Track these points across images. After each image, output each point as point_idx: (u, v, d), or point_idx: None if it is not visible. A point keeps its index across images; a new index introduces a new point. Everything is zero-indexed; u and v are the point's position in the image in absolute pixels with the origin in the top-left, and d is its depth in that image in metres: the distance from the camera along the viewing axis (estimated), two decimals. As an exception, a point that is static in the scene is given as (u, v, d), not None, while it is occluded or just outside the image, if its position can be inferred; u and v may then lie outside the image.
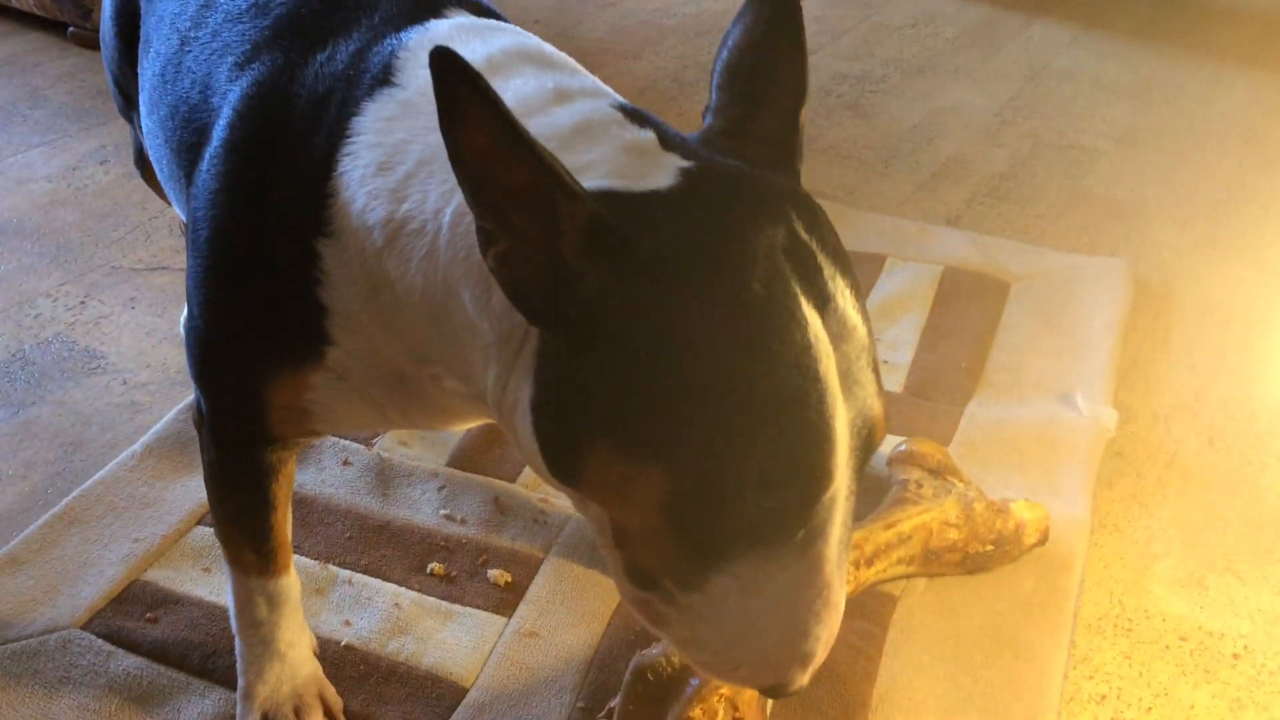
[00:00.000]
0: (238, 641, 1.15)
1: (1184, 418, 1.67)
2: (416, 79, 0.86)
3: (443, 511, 1.41)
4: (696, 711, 1.00)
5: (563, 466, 0.74)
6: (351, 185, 0.84)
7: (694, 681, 1.02)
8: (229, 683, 1.17)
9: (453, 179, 0.71)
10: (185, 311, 1.78)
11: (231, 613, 1.14)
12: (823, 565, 0.72)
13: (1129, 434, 1.63)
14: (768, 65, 0.83)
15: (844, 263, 0.74)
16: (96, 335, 1.77)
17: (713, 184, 0.73)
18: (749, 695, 1.06)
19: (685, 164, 0.75)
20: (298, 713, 1.14)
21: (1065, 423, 1.60)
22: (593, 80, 0.88)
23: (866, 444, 0.73)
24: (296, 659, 1.15)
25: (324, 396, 0.93)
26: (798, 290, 0.69)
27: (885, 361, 1.74)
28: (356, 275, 0.86)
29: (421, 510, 1.41)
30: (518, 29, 0.94)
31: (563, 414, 0.72)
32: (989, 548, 1.33)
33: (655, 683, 1.03)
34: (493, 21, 0.94)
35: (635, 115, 0.81)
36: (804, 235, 0.71)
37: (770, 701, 1.12)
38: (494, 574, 1.32)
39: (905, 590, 1.32)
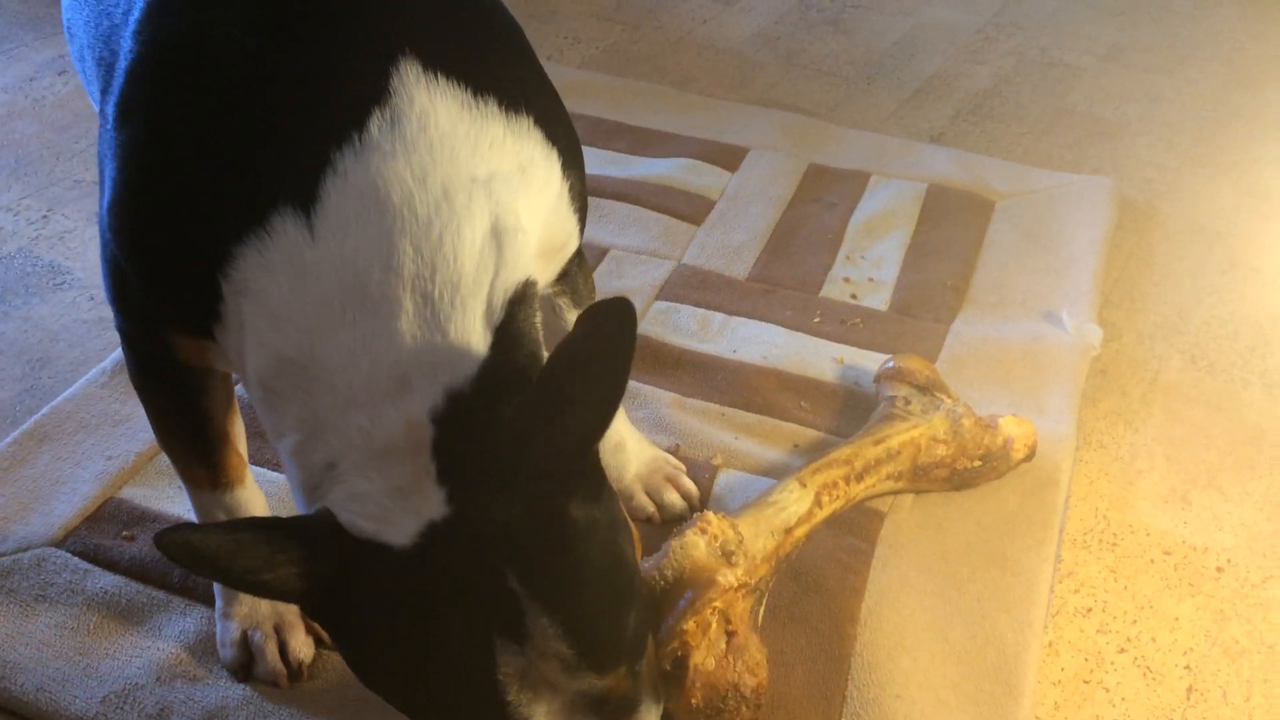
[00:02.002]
0: (211, 560, 1.13)
1: (1168, 335, 1.66)
2: (329, 248, 0.80)
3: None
4: (690, 624, 0.99)
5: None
6: (252, 291, 0.82)
7: (688, 594, 1.00)
8: (211, 601, 1.15)
9: (308, 412, 0.81)
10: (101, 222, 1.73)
11: (198, 530, 1.12)
12: None
13: (1113, 352, 1.62)
14: (585, 386, 0.77)
15: (559, 592, 0.80)
16: (61, 250, 1.72)
17: (440, 558, 0.79)
18: (741, 609, 1.05)
19: (439, 516, 0.78)
20: (278, 630, 1.12)
21: (1050, 341, 1.59)
22: (451, 306, 0.81)
23: (599, 699, 0.84)
24: (271, 576, 1.13)
25: (220, 356, 0.91)
26: (493, 639, 0.79)
27: (870, 279, 1.72)
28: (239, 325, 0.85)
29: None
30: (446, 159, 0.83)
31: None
32: (977, 463, 1.32)
33: (649, 596, 1.02)
34: (421, 152, 0.82)
35: (447, 428, 0.79)
36: (516, 587, 0.78)
37: (760, 616, 1.11)
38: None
39: (893, 506, 1.31)
